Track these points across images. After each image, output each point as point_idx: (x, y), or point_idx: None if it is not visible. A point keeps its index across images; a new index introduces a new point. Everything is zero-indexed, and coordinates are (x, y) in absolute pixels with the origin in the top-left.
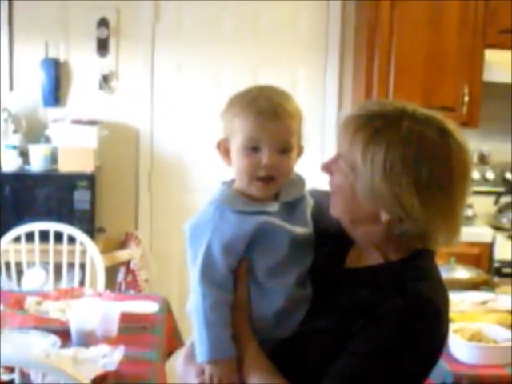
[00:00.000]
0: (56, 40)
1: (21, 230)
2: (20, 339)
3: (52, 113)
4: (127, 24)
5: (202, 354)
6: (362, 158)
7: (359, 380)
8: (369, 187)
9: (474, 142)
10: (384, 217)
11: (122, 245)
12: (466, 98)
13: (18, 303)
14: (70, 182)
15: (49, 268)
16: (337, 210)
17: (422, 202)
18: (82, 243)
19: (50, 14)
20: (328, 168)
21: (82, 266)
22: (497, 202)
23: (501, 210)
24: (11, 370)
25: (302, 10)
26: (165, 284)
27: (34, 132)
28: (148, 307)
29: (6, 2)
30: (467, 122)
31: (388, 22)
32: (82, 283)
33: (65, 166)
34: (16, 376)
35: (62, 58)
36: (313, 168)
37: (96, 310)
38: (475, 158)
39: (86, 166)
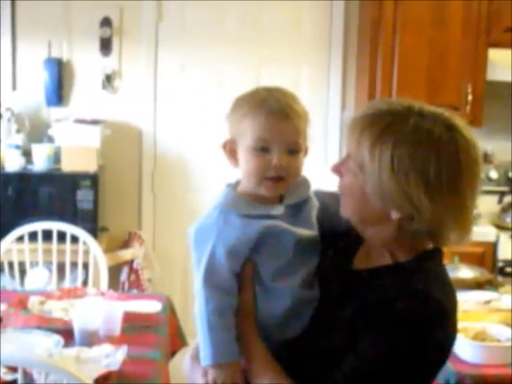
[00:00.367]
0: (59, 39)
1: (24, 229)
2: (23, 339)
3: (55, 112)
4: (130, 23)
5: (205, 358)
6: (369, 156)
7: (367, 381)
8: (378, 185)
9: None
10: (394, 215)
11: (125, 244)
12: (470, 97)
13: (21, 303)
14: (73, 181)
15: (52, 267)
16: (347, 211)
17: (431, 199)
18: (85, 243)
19: (52, 13)
20: (338, 169)
21: (85, 266)
22: (500, 201)
23: (504, 210)
24: (14, 369)
25: (305, 9)
26: (168, 283)
27: (37, 131)
28: (151, 307)
29: (9, 2)
30: (471, 121)
31: (391, 21)
32: (85, 283)
33: (68, 166)
34: (19, 376)
35: (64, 58)
36: (316, 168)
37: (99, 310)
38: None
39: (89, 165)
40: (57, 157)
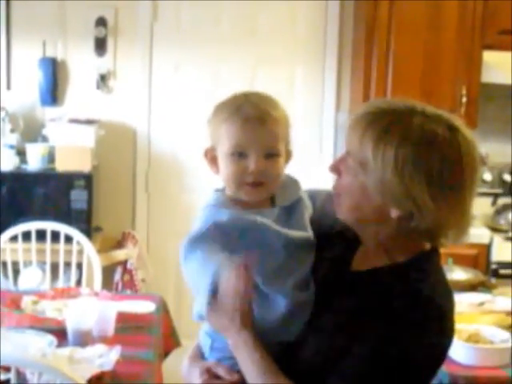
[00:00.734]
0: (54, 39)
1: (17, 229)
2: (16, 339)
3: (49, 112)
4: (125, 23)
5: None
6: (373, 153)
7: (365, 382)
8: (380, 183)
9: None
10: (394, 213)
11: (119, 244)
12: (464, 99)
13: (15, 303)
14: (67, 181)
15: (45, 267)
16: (345, 210)
17: (433, 198)
18: (78, 243)
19: (47, 13)
20: (336, 168)
21: (79, 266)
22: (494, 203)
23: (498, 212)
24: (7, 369)
25: (300, 9)
26: (161, 284)
27: (32, 131)
28: (145, 307)
29: (4, 1)
30: (465, 123)
31: (386, 23)
32: (78, 283)
33: (62, 166)
34: (12, 375)
35: (59, 57)
36: (310, 168)
37: (92, 310)
38: None
39: (84, 165)
40: (51, 156)
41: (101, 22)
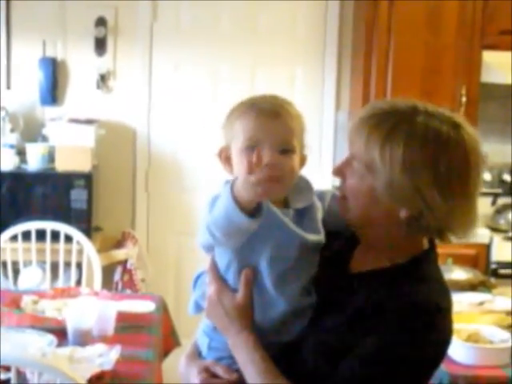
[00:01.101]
0: (54, 39)
1: (17, 228)
2: (16, 338)
3: (49, 112)
4: (125, 23)
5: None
6: (380, 155)
7: (364, 383)
8: (388, 184)
9: None
10: (403, 213)
11: (119, 244)
12: (464, 99)
13: (15, 302)
14: (67, 181)
15: (45, 267)
16: (352, 214)
17: (443, 196)
18: (78, 242)
19: (47, 12)
20: (341, 171)
21: (79, 265)
22: (494, 203)
23: (498, 212)
24: (7, 369)
25: (299, 10)
26: (161, 284)
27: (31, 131)
28: (144, 307)
29: (4, 1)
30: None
31: (386, 22)
32: (78, 282)
33: (62, 165)
34: (12, 375)
35: (59, 57)
36: (310, 168)
37: (92, 310)
38: None
39: (83, 165)
40: (51, 156)
41: (101, 21)
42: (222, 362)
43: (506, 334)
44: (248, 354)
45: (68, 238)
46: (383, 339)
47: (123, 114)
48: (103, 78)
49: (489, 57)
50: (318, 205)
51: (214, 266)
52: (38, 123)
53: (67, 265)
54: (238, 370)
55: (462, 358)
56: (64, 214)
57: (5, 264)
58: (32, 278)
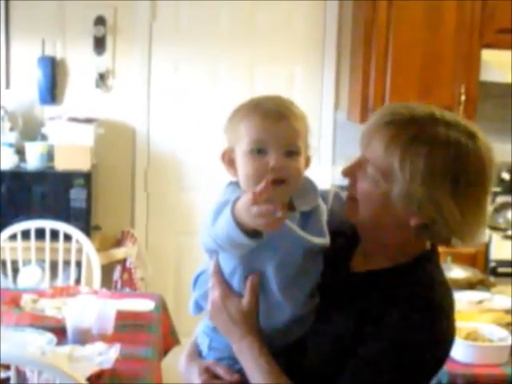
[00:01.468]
0: (53, 38)
1: (17, 227)
2: (16, 337)
3: (48, 111)
4: (124, 22)
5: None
6: (400, 164)
7: None
8: (406, 193)
9: None
10: (414, 221)
11: (118, 243)
12: (463, 98)
13: (14, 301)
14: (67, 179)
15: (45, 266)
16: (362, 216)
17: (459, 205)
18: (78, 241)
19: (46, 11)
20: (352, 173)
21: (78, 264)
22: (493, 201)
23: (497, 210)
24: (7, 367)
25: (298, 8)
26: (160, 282)
27: (31, 130)
28: (144, 305)
29: (3, 1)
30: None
31: (385, 21)
32: (77, 281)
33: (61, 164)
34: (12, 374)
35: (58, 56)
36: (309, 168)
37: (92, 308)
38: None
39: (83, 164)
40: (50, 155)
41: (100, 20)
42: (222, 362)
43: (504, 333)
44: (253, 358)
45: (67, 237)
46: (386, 341)
47: (122, 113)
48: (102, 77)
49: (488, 55)
50: (323, 207)
51: (218, 270)
52: (37, 122)
53: (66, 263)
54: (238, 371)
55: (461, 357)
56: (63, 212)
57: (4, 263)
58: (31, 276)
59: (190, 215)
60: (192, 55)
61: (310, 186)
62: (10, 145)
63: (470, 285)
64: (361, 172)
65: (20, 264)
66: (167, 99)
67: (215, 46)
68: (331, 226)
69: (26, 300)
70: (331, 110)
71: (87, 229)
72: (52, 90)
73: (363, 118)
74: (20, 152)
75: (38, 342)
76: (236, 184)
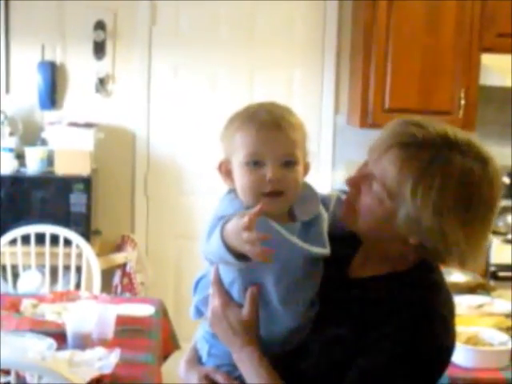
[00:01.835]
0: (52, 43)
1: (17, 232)
2: (16, 342)
3: (48, 115)
4: (124, 27)
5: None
6: (411, 192)
7: None
8: (414, 219)
9: None
10: (413, 240)
11: (118, 248)
12: (463, 102)
13: (14, 306)
14: (66, 184)
15: (45, 271)
16: (360, 227)
17: (466, 234)
18: (77, 246)
19: (46, 16)
20: (357, 185)
21: (78, 269)
22: None
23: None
24: (7, 372)
25: (298, 11)
26: (161, 287)
27: (30, 135)
28: (144, 310)
29: (3, 4)
30: (464, 126)
31: (385, 24)
32: (77, 286)
33: (61, 169)
34: (12, 378)
35: (58, 61)
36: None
37: (92, 313)
38: None
39: (83, 168)
40: (50, 160)
41: (99, 25)
42: (221, 368)
43: (505, 337)
44: (253, 368)
45: (67, 242)
46: (386, 351)
47: (122, 118)
48: (102, 82)
49: (487, 59)
50: (325, 215)
51: (218, 279)
52: (36, 127)
53: (66, 268)
54: (238, 378)
55: (462, 361)
56: (63, 217)
57: (4, 268)
58: (31, 281)
59: (189, 219)
60: (192, 59)
61: (310, 193)
62: (10, 150)
63: (470, 289)
64: (365, 185)
65: (20, 269)
66: (167, 104)
67: (215, 50)
68: (333, 229)
69: (25, 305)
70: (331, 113)
71: (87, 233)
72: (52, 95)
73: (363, 122)
74: (20, 157)
75: (38, 347)
76: (235, 192)
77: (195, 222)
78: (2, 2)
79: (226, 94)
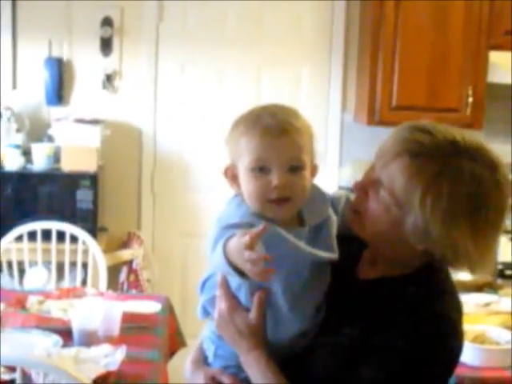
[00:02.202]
0: (59, 39)
1: (23, 228)
2: (22, 339)
3: (55, 112)
4: (131, 23)
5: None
6: (420, 202)
7: None
8: (422, 227)
9: None
10: (421, 247)
11: (125, 244)
12: (470, 100)
13: (20, 302)
14: (73, 181)
15: (51, 267)
16: (367, 232)
17: (476, 242)
18: (84, 242)
19: (53, 12)
20: (364, 190)
21: (84, 266)
22: None
23: None
24: (13, 369)
25: (306, 9)
26: (167, 284)
27: (37, 131)
28: (150, 307)
29: (10, 1)
30: (471, 124)
31: (392, 23)
32: (84, 283)
33: (67, 165)
34: (17, 375)
35: (65, 57)
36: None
37: (98, 310)
38: None
39: (89, 165)
40: (56, 156)
41: (107, 21)
42: (228, 370)
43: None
44: (260, 371)
45: (73, 239)
46: (394, 354)
47: (129, 115)
48: (109, 78)
49: (495, 57)
50: (334, 217)
51: (225, 281)
52: (43, 123)
53: (73, 265)
54: (244, 379)
55: (468, 359)
56: (70, 214)
57: (10, 264)
58: (37, 278)
59: (196, 217)
60: (199, 56)
61: (319, 195)
62: (17, 146)
63: (477, 287)
64: (373, 192)
65: (26, 265)
66: (174, 100)
67: (222, 47)
68: (342, 229)
69: (32, 301)
70: (338, 111)
71: (93, 230)
72: (59, 91)
73: (370, 120)
74: (26, 153)
75: (43, 344)
76: (242, 196)
77: (201, 219)
78: None
79: (233, 92)
